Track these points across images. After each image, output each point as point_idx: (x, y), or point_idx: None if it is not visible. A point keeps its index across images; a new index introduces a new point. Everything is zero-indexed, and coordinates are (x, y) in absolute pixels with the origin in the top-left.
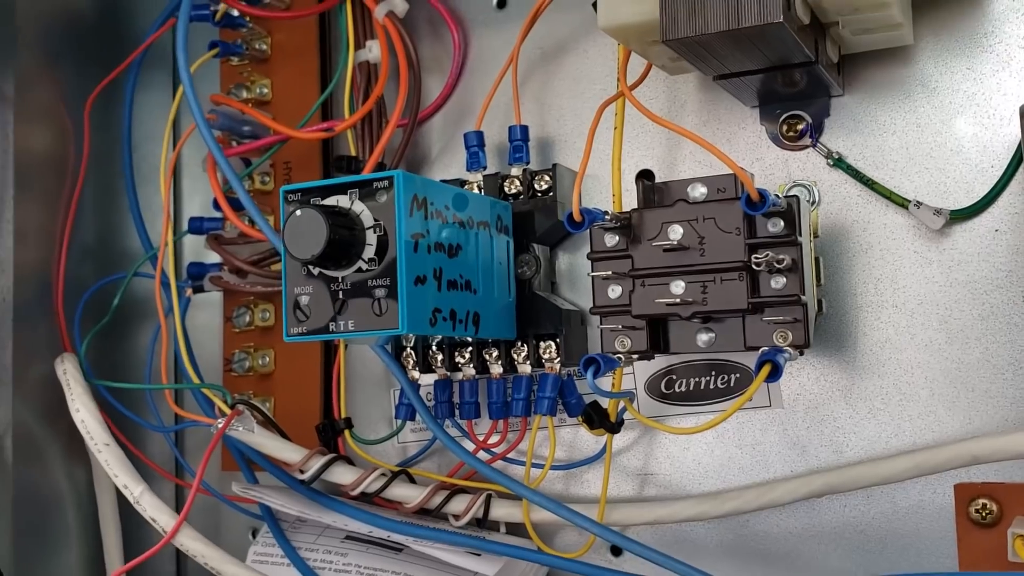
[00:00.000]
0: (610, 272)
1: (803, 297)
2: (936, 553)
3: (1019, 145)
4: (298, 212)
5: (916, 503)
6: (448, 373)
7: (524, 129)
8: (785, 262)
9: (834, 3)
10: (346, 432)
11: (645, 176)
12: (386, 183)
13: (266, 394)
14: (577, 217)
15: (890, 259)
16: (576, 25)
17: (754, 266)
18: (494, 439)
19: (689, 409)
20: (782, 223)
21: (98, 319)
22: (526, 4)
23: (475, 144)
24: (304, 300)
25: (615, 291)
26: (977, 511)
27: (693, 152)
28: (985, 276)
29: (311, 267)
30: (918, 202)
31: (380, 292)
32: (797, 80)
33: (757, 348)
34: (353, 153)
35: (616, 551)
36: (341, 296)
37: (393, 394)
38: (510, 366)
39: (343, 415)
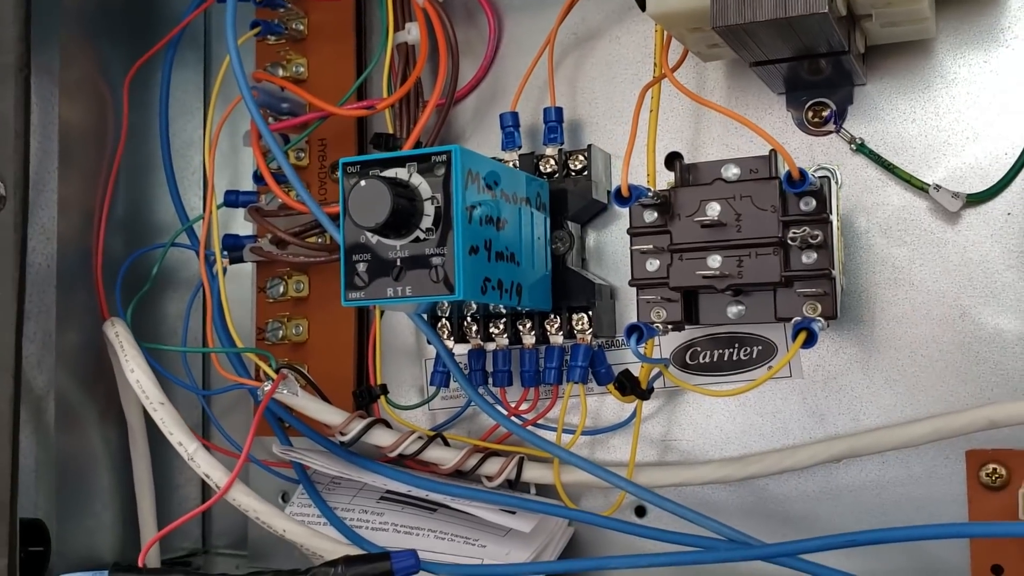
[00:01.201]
0: (651, 246)
1: (833, 271)
2: (948, 515)
3: None
4: (363, 183)
5: (929, 468)
6: (482, 343)
7: (559, 111)
8: (818, 238)
9: None
10: (382, 398)
11: (675, 157)
12: (444, 157)
13: (300, 361)
14: (625, 193)
15: (908, 239)
16: (609, 12)
17: (789, 241)
18: (524, 406)
19: (712, 379)
20: (814, 202)
21: (133, 288)
22: None
23: (510, 124)
24: (362, 267)
25: (653, 264)
26: (988, 475)
27: (720, 136)
28: (997, 257)
29: (369, 235)
30: (937, 186)
31: (437, 260)
32: (824, 68)
33: (788, 319)
34: (391, 131)
35: (640, 512)
36: (399, 263)
37: (425, 364)
38: (542, 337)
39: (378, 382)
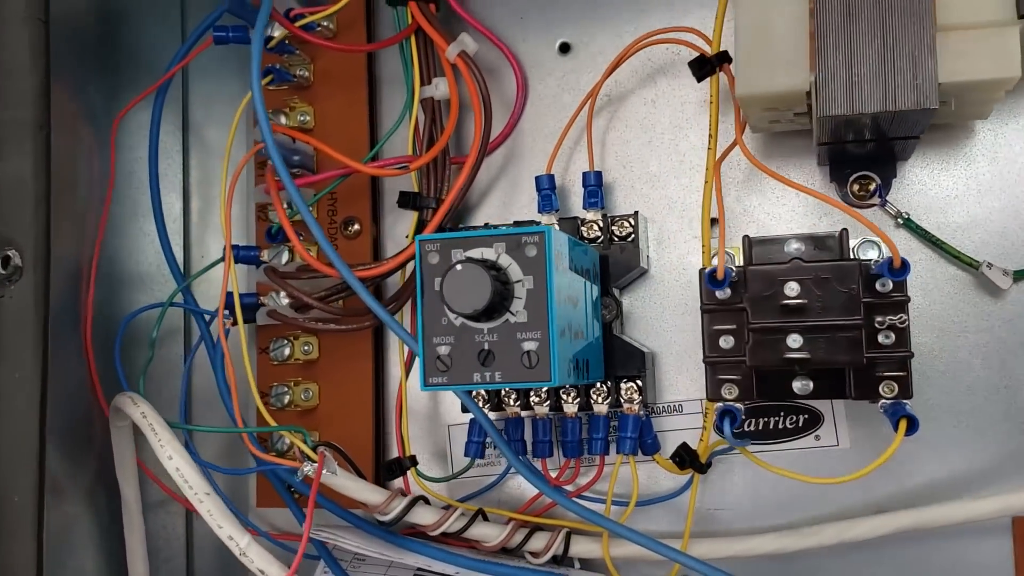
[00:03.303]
0: (734, 325)
1: (911, 352)
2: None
3: None
4: (459, 267)
5: (976, 534)
6: (519, 412)
7: (598, 175)
8: (904, 322)
9: (960, 94)
10: (412, 469)
11: (747, 239)
12: (536, 238)
13: (310, 429)
14: (720, 275)
15: (952, 313)
16: (644, 75)
17: (877, 325)
18: (564, 477)
19: (759, 447)
20: (891, 284)
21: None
22: (589, 51)
23: (547, 187)
24: (444, 350)
25: (728, 342)
26: None
27: (761, 204)
28: None
29: (452, 317)
30: (989, 263)
31: (530, 345)
32: (879, 146)
33: (865, 399)
34: (416, 189)
35: None
36: (487, 347)
37: (449, 430)
38: (586, 405)
39: (407, 453)
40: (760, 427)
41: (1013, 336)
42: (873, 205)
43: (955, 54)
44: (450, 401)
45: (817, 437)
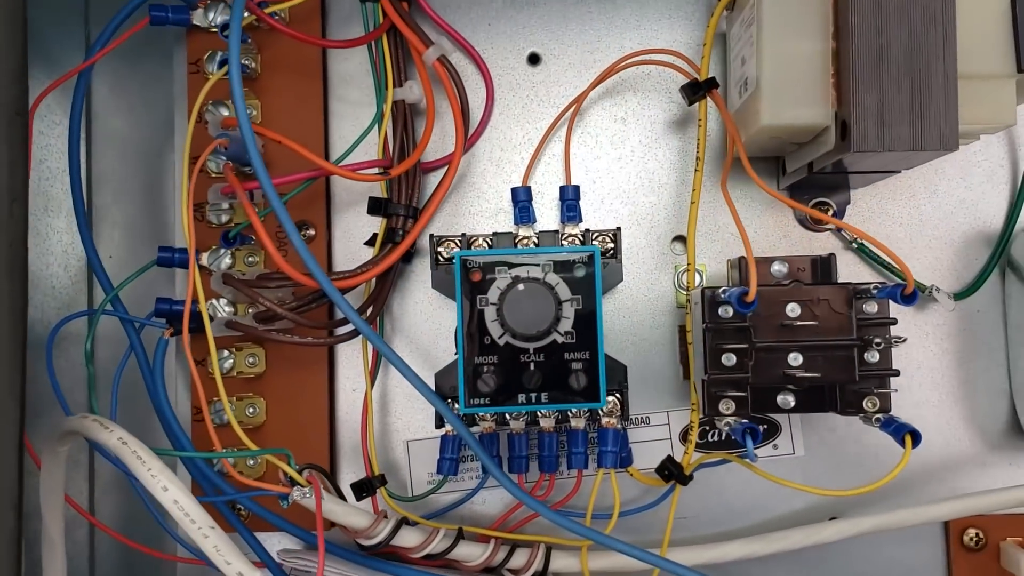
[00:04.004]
0: (745, 345)
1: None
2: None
3: (999, 245)
4: (521, 286)
5: (913, 533)
6: (494, 427)
7: (576, 189)
8: (890, 341)
9: (970, 133)
10: (382, 489)
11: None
12: (586, 258)
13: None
14: (751, 299)
15: (895, 330)
16: (614, 93)
17: (874, 345)
18: (540, 492)
19: (725, 456)
20: (876, 306)
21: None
22: (559, 63)
23: (524, 199)
24: (488, 370)
25: (730, 359)
26: (970, 539)
27: (727, 224)
28: (969, 347)
29: (496, 336)
30: (937, 287)
31: (578, 365)
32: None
33: (852, 413)
34: (384, 195)
35: None
36: (533, 367)
37: (408, 446)
38: (563, 419)
39: (375, 472)
40: (723, 437)
41: (944, 354)
42: (829, 229)
43: (964, 102)
44: (405, 416)
45: (775, 446)
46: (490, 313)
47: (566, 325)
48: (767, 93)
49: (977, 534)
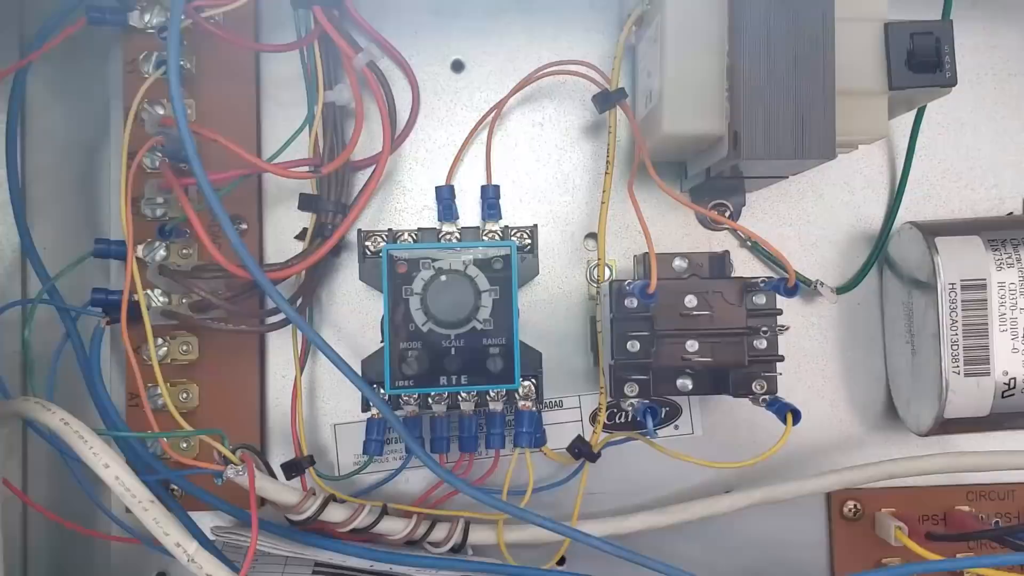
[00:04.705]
0: (646, 333)
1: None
2: (813, 540)
3: (878, 244)
4: (443, 278)
5: (800, 505)
6: (417, 410)
7: (496, 188)
8: (780, 329)
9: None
10: (310, 469)
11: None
12: (503, 252)
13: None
14: (652, 290)
15: (784, 321)
16: (533, 99)
17: (762, 333)
18: (460, 471)
19: (629, 436)
20: (764, 298)
21: None
22: (485, 71)
23: (447, 197)
24: (412, 354)
25: (634, 346)
26: (848, 510)
27: (635, 223)
28: (850, 337)
29: (420, 323)
30: (821, 282)
31: (495, 350)
32: (730, 180)
33: (743, 395)
34: (315, 192)
35: (561, 561)
36: (453, 352)
37: (335, 429)
38: (481, 403)
39: (304, 452)
40: (629, 419)
41: (830, 340)
42: (726, 229)
43: (838, 114)
44: (332, 401)
45: (676, 427)
46: (414, 302)
47: (484, 313)
48: (668, 105)
49: (855, 505)
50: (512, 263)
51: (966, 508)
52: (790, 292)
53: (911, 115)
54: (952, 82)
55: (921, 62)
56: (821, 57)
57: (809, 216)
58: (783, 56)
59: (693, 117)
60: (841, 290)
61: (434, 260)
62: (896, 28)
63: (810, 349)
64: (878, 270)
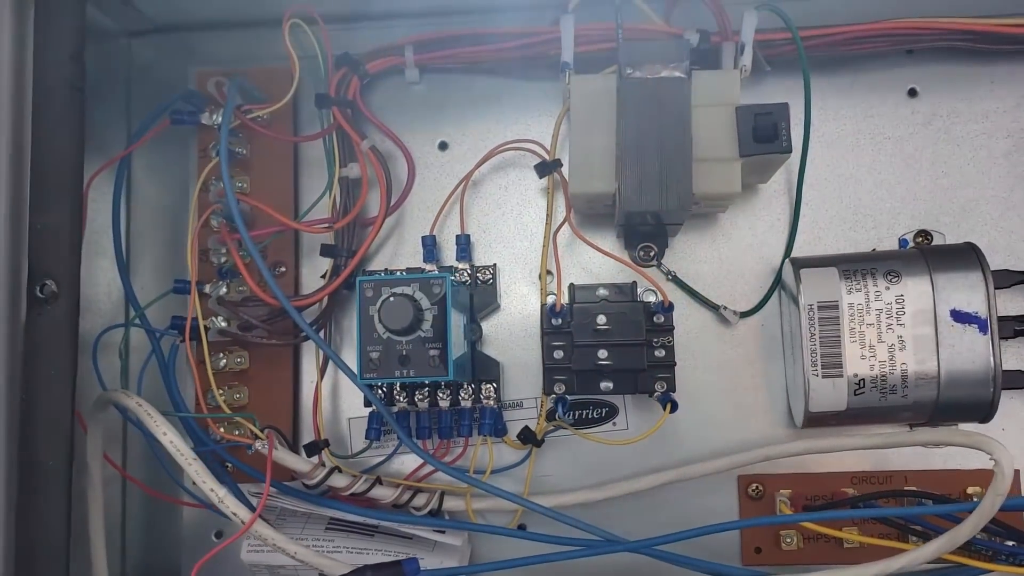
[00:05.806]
0: (564, 343)
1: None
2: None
3: (777, 276)
4: (391, 299)
5: (714, 486)
6: (407, 406)
7: (467, 237)
8: (670, 342)
9: (707, 200)
10: (326, 449)
11: (573, 286)
12: (440, 282)
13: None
14: (559, 308)
15: (702, 340)
16: (499, 168)
17: (654, 344)
18: (439, 453)
19: (573, 431)
20: (663, 318)
21: None
22: (461, 148)
23: (430, 244)
24: (375, 355)
25: (559, 354)
26: (752, 491)
27: (579, 262)
28: (756, 353)
29: (381, 332)
30: (725, 307)
31: (434, 352)
32: (656, 227)
33: (646, 392)
34: (333, 243)
35: (521, 529)
36: (405, 353)
37: (349, 423)
38: (456, 401)
39: (322, 437)
40: (578, 417)
41: (739, 355)
42: (653, 266)
43: (702, 176)
44: (349, 400)
45: (614, 424)
46: (376, 317)
47: (427, 325)
48: (573, 171)
49: (758, 487)
50: (447, 288)
51: (850, 490)
52: (666, 310)
53: (795, 173)
54: (788, 149)
55: (763, 135)
56: (681, 132)
57: (721, 254)
58: (650, 133)
59: (591, 180)
60: (746, 314)
61: (392, 286)
62: (744, 110)
63: (724, 363)
64: (778, 296)
